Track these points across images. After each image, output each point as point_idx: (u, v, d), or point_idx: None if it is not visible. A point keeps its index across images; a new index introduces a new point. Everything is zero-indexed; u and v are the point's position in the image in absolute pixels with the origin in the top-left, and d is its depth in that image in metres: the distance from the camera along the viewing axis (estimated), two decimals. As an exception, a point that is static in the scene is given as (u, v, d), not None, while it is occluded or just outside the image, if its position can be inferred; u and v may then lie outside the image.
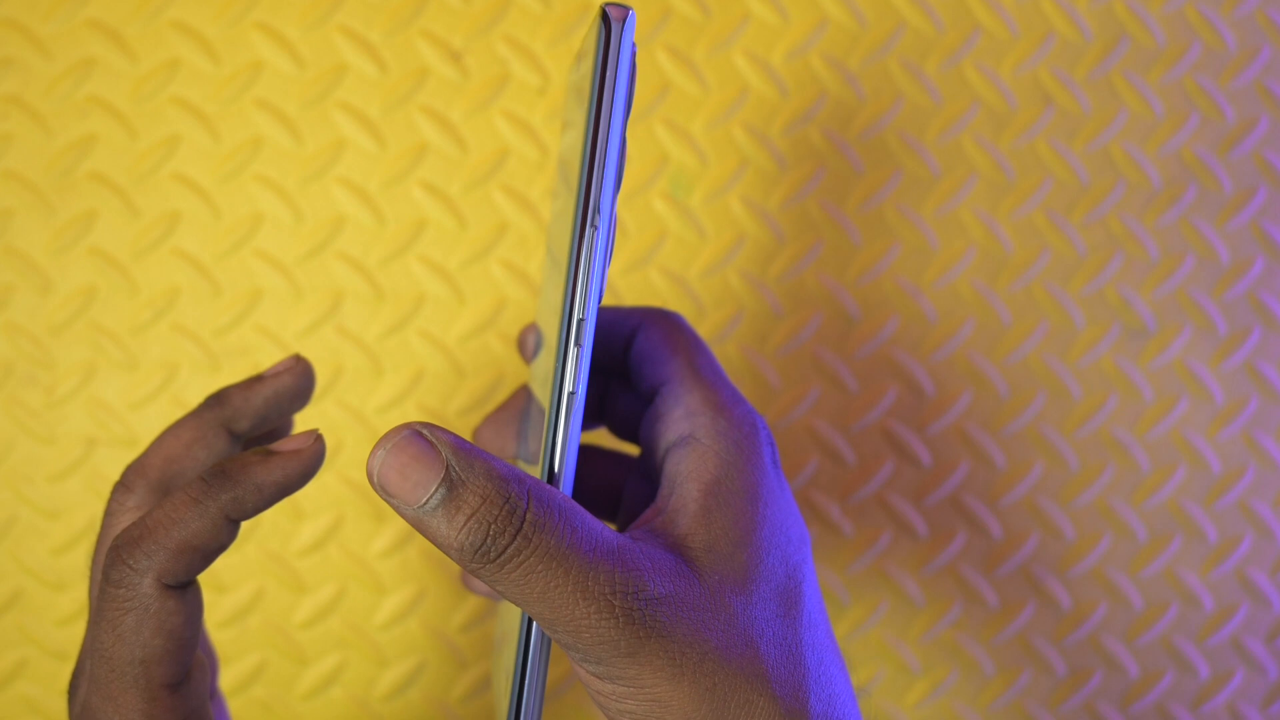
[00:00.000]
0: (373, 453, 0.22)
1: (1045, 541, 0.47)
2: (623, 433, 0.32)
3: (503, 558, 0.22)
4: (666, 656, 0.23)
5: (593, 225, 0.24)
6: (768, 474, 0.26)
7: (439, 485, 0.22)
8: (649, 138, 0.45)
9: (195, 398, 0.44)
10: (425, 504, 0.22)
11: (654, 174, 0.45)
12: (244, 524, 0.44)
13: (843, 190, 0.46)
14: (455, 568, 0.45)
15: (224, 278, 0.44)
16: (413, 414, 0.45)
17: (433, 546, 0.45)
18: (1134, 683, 0.47)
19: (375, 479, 0.22)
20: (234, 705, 0.44)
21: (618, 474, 0.32)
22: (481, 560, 0.22)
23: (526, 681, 0.25)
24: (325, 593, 0.45)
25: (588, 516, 0.24)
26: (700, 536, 0.25)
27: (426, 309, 0.45)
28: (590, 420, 0.33)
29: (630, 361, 0.30)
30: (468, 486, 0.22)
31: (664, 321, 0.29)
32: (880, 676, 0.46)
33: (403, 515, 0.23)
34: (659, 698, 0.23)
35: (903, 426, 0.46)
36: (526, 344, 0.33)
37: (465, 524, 0.22)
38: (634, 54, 0.24)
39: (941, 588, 0.46)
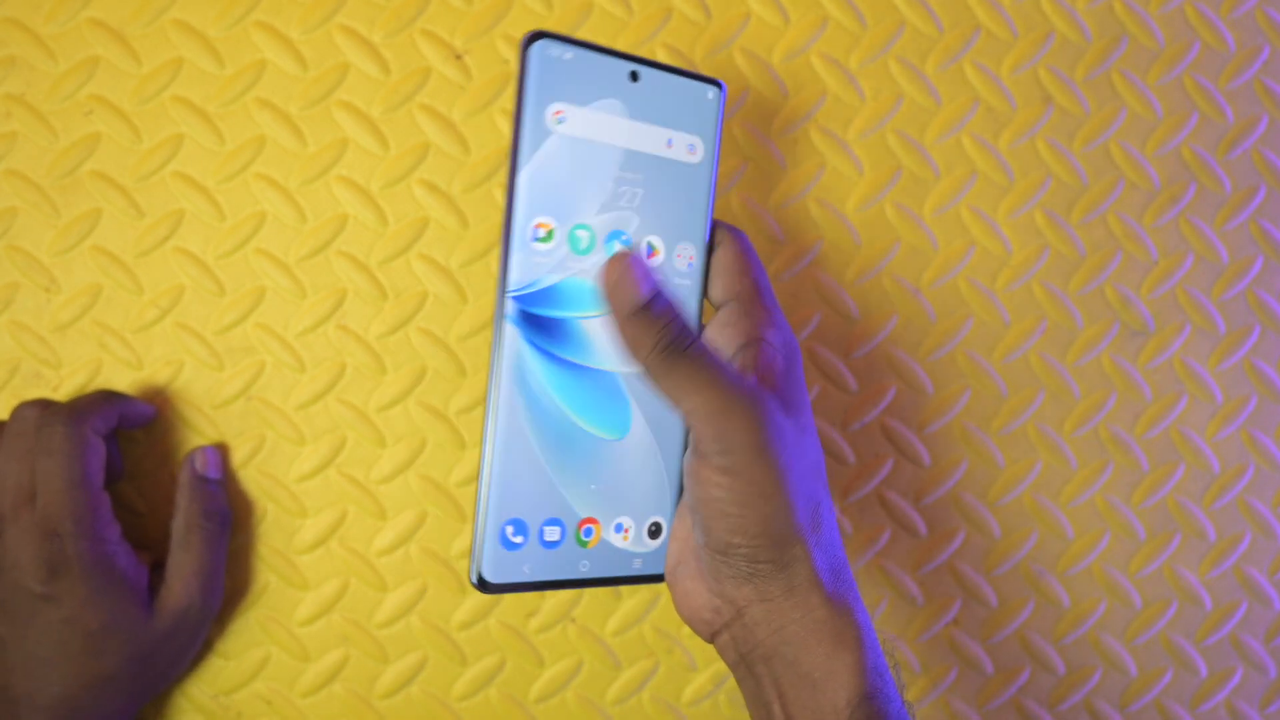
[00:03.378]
0: (606, 268, 0.32)
1: (1045, 540, 0.47)
2: None
3: (688, 352, 0.32)
4: (779, 460, 0.32)
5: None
6: (803, 380, 0.37)
7: (651, 293, 0.32)
8: (649, 137, 0.45)
9: (199, 395, 0.44)
10: (636, 306, 0.31)
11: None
12: (247, 523, 0.45)
13: (843, 190, 0.46)
14: (457, 565, 0.45)
15: (227, 277, 0.45)
16: (415, 411, 0.45)
17: (433, 545, 0.45)
18: (1133, 681, 0.47)
19: (605, 282, 0.32)
20: (237, 700, 0.45)
21: None
22: (670, 352, 0.31)
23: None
24: (327, 589, 0.45)
25: None
26: (780, 397, 0.34)
27: (428, 307, 0.45)
28: None
29: (707, 270, 0.38)
30: (663, 299, 0.32)
31: (736, 242, 0.37)
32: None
33: (617, 316, 0.32)
34: (765, 490, 0.32)
35: (902, 425, 0.46)
36: None
37: (663, 324, 0.32)
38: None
39: (941, 586, 0.47)
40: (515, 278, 0.34)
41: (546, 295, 0.35)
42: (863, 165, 0.46)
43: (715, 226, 0.38)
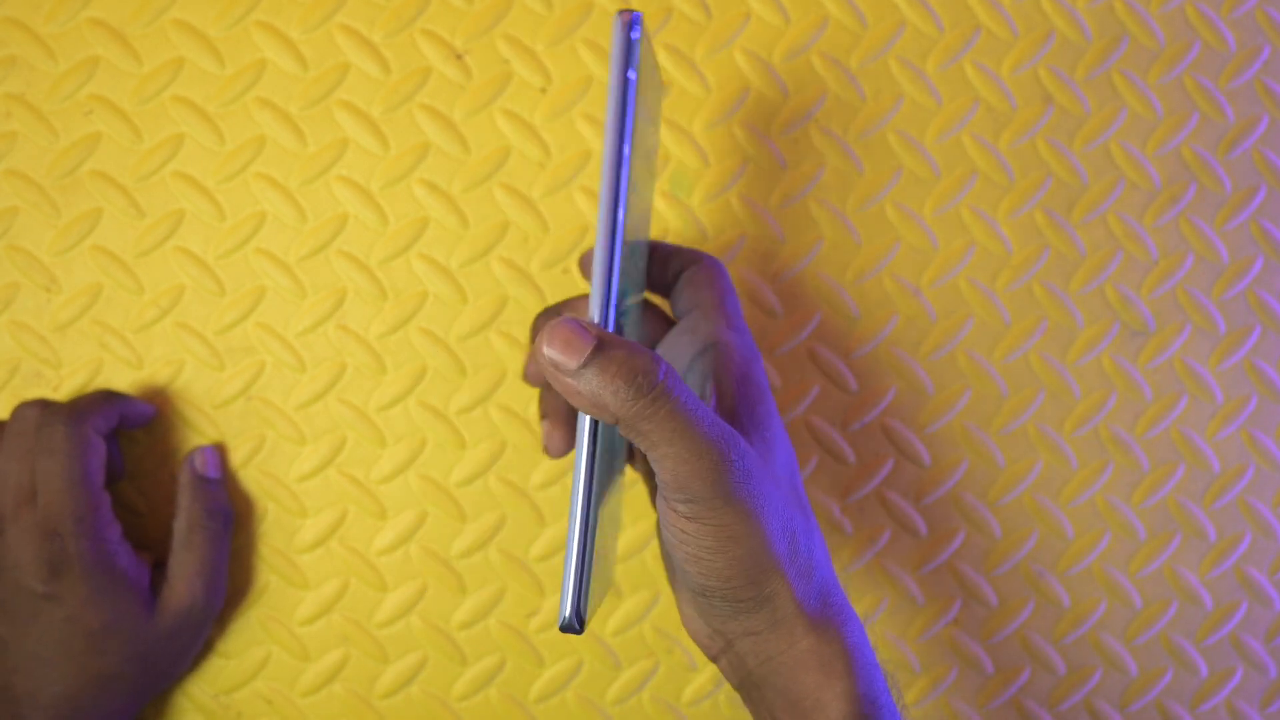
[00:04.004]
0: (539, 340, 0.28)
1: (1045, 540, 0.47)
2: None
3: (655, 393, 0.28)
4: (748, 501, 0.30)
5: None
6: (768, 386, 0.35)
7: (592, 349, 0.28)
8: (650, 137, 0.45)
9: (199, 395, 0.44)
10: (582, 365, 0.28)
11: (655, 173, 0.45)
12: (247, 522, 0.45)
13: (843, 190, 0.46)
14: (457, 564, 0.45)
15: (227, 276, 0.45)
16: (415, 411, 0.45)
17: (433, 545, 0.45)
18: (1133, 681, 0.47)
19: (544, 352, 0.28)
20: (237, 699, 0.45)
21: None
22: (639, 396, 0.28)
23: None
24: (327, 589, 0.45)
25: None
26: (741, 418, 0.32)
27: (428, 307, 0.45)
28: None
29: (674, 290, 0.38)
30: (613, 348, 0.28)
31: (712, 265, 0.37)
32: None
33: (563, 385, 0.29)
34: (734, 534, 0.30)
35: (902, 425, 0.46)
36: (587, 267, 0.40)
37: (618, 371, 0.28)
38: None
39: (941, 586, 0.47)
40: (617, 284, 0.30)
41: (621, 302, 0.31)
42: (863, 165, 0.46)
43: (689, 251, 0.37)
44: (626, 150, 0.30)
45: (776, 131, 0.46)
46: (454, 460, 0.45)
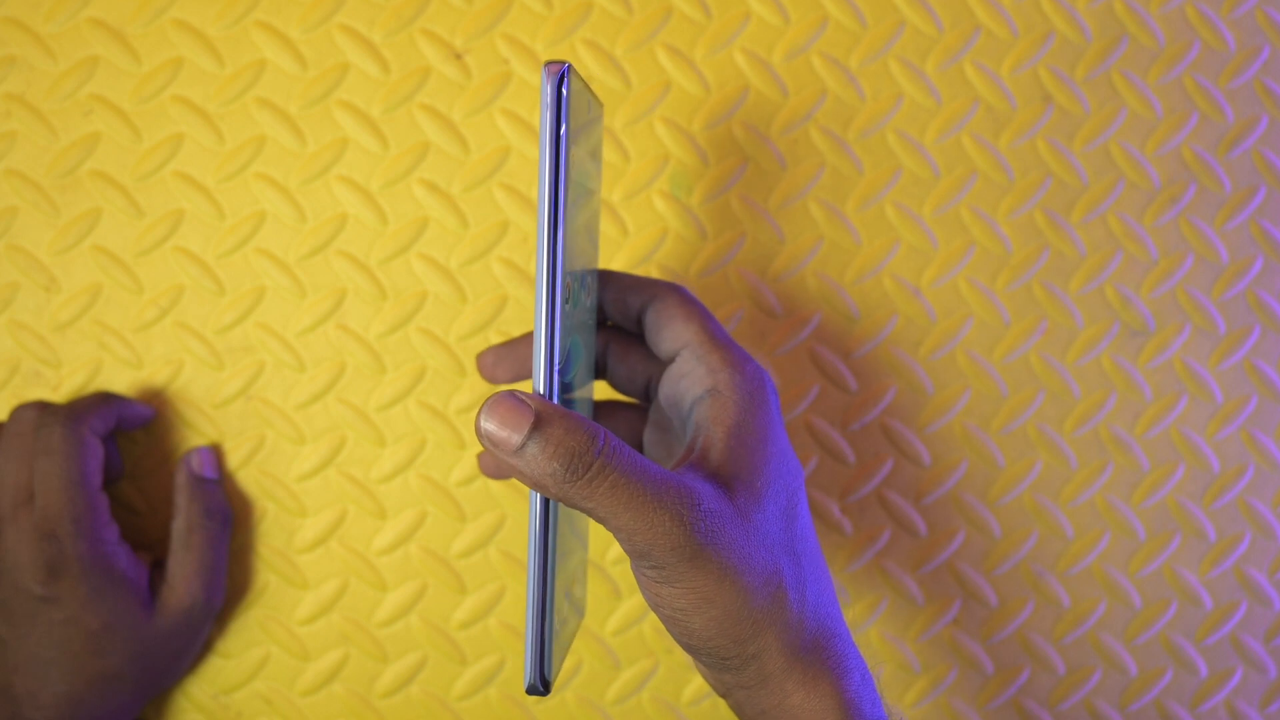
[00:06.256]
0: (478, 414, 0.28)
1: (1045, 540, 0.47)
2: (626, 387, 0.38)
3: (590, 473, 0.28)
4: (717, 560, 0.29)
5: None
6: (774, 419, 0.33)
7: (530, 428, 0.28)
8: (649, 137, 0.45)
9: (199, 395, 0.44)
10: (521, 445, 0.28)
11: (654, 173, 0.45)
12: (247, 522, 0.45)
13: (843, 190, 0.46)
14: (457, 564, 0.45)
15: (227, 276, 0.45)
16: (415, 411, 0.45)
17: (433, 545, 0.45)
18: (1133, 681, 0.47)
19: (481, 432, 0.28)
20: (237, 699, 0.45)
21: (639, 425, 0.39)
22: (574, 478, 0.28)
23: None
24: (327, 589, 0.45)
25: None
26: (728, 469, 0.31)
27: (428, 307, 0.45)
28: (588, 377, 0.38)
29: (646, 327, 0.35)
30: (553, 425, 0.28)
31: (676, 293, 0.35)
32: (879, 674, 0.46)
33: (502, 461, 0.28)
34: (707, 595, 0.29)
35: (902, 425, 0.46)
36: (485, 364, 0.38)
37: (554, 452, 0.27)
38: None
39: (941, 586, 0.47)
40: (559, 351, 0.29)
41: (566, 364, 0.30)
42: (863, 165, 0.46)
43: (652, 282, 0.35)
44: (561, 228, 0.29)
45: (776, 131, 0.46)
46: (454, 460, 0.45)
